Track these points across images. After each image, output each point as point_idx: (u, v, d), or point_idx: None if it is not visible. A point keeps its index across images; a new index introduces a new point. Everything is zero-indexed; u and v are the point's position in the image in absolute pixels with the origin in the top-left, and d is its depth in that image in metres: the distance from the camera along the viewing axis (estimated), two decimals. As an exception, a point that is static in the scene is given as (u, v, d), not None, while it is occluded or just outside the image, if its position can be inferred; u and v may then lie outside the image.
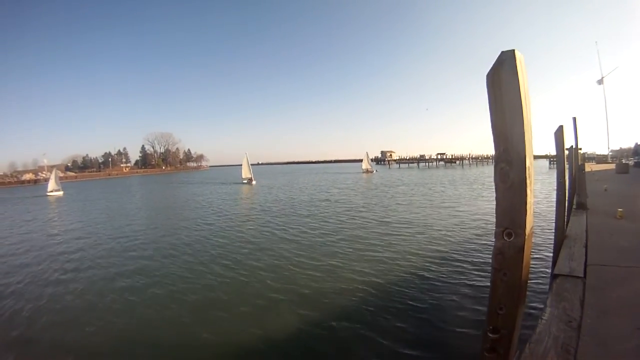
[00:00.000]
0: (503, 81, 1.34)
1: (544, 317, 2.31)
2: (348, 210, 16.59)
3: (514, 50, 1.38)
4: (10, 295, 7.48)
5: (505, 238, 1.34)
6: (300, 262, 8.45)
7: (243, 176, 43.97)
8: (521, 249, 1.36)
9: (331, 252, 9.14)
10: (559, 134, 4.03)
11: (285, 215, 16.11)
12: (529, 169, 1.35)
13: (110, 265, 9.32)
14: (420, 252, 8.92)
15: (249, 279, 7.50)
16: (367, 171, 56.34)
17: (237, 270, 8.09)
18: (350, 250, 9.29)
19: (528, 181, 1.36)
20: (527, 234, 1.37)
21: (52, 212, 24.08)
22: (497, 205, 1.36)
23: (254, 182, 41.90)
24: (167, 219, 16.95)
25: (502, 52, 1.38)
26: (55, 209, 26.55)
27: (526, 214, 1.36)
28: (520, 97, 1.35)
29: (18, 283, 8.27)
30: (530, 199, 1.37)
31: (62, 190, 42.26)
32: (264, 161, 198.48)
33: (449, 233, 10.93)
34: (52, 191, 41.13)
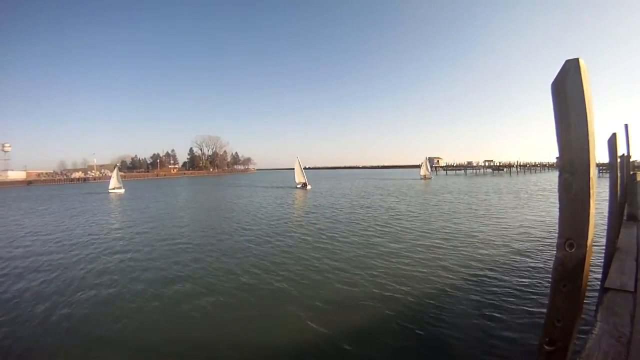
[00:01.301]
0: (568, 91, 1.33)
1: (594, 332, 2.22)
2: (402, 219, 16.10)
3: (578, 59, 1.36)
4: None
5: (567, 249, 1.33)
6: (335, 272, 8.25)
7: (297, 181, 42.08)
8: (582, 261, 1.34)
9: (366, 263, 8.91)
10: (613, 142, 3.80)
11: (334, 221, 15.83)
12: (592, 180, 1.33)
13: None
14: (467, 262, 8.61)
15: (278, 286, 7.47)
16: (424, 177, 54.94)
17: (266, 277, 8.06)
18: (388, 262, 8.95)
19: (591, 192, 1.33)
20: (588, 245, 1.35)
21: (120, 207, 26.38)
22: (560, 215, 1.34)
23: (309, 187, 39.74)
24: (223, 221, 17.08)
25: (567, 60, 1.36)
26: (124, 204, 28.63)
27: (588, 225, 1.33)
28: (585, 107, 1.33)
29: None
30: (592, 210, 1.35)
31: (124, 188, 44.86)
32: (311, 165, 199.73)
33: (496, 244, 10.45)
34: (114, 188, 43.77)
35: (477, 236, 11.60)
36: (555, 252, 1.38)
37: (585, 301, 4.37)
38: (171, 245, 11.70)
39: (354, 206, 21.82)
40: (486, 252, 9.58)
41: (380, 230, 13.52)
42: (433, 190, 32.95)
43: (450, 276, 7.62)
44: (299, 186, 41.23)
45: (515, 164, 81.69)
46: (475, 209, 18.44)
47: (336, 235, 12.60)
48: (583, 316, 4.24)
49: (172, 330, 5.69)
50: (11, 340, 5.43)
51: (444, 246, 10.39)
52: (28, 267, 9.46)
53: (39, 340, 5.43)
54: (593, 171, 1.34)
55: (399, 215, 17.32)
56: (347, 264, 8.88)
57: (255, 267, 8.91)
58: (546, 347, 1.41)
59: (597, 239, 7.91)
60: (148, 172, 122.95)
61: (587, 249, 1.34)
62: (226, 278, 8.10)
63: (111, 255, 10.46)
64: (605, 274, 3.40)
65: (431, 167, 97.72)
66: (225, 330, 5.62)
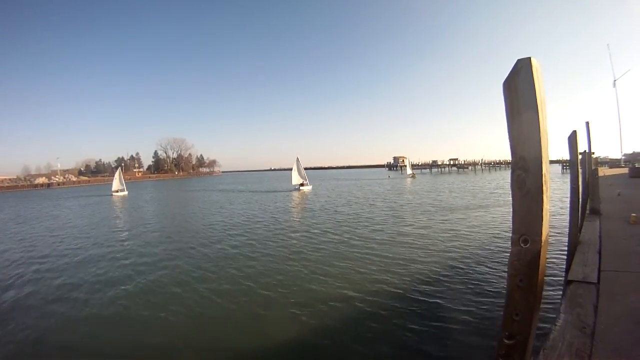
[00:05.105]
0: (519, 89, 1.35)
1: (558, 323, 2.29)
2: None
3: (530, 57, 1.39)
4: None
5: (522, 245, 1.35)
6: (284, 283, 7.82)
7: (294, 182, 39.15)
8: (537, 256, 1.37)
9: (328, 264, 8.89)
10: (573, 139, 3.98)
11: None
12: (545, 176, 1.36)
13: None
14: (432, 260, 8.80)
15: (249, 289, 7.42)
16: (412, 176, 58.17)
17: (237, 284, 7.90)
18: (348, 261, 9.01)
19: (544, 188, 1.36)
20: (543, 240, 1.38)
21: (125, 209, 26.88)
22: (513, 212, 1.36)
23: (308, 187, 37.99)
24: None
25: (519, 59, 1.39)
26: (134, 205, 29.21)
27: (542, 220, 1.36)
28: (537, 105, 1.35)
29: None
30: (546, 206, 1.38)
31: (127, 191, 44.61)
32: (277, 167, 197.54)
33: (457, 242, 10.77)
34: (117, 190, 43.46)
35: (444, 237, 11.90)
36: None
37: (552, 294, 4.54)
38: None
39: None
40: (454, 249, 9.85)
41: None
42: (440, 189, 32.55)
43: (417, 273, 7.79)
44: (296, 188, 38.64)
45: (480, 162, 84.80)
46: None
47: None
48: (548, 309, 4.41)
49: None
50: None
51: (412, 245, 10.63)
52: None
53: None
54: (546, 168, 1.37)
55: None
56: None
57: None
58: (506, 341, 1.43)
59: (562, 233, 8.26)
60: (112, 176, 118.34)
61: (542, 244, 1.37)
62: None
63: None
64: (568, 267, 3.54)
65: (396, 166, 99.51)
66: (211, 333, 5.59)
